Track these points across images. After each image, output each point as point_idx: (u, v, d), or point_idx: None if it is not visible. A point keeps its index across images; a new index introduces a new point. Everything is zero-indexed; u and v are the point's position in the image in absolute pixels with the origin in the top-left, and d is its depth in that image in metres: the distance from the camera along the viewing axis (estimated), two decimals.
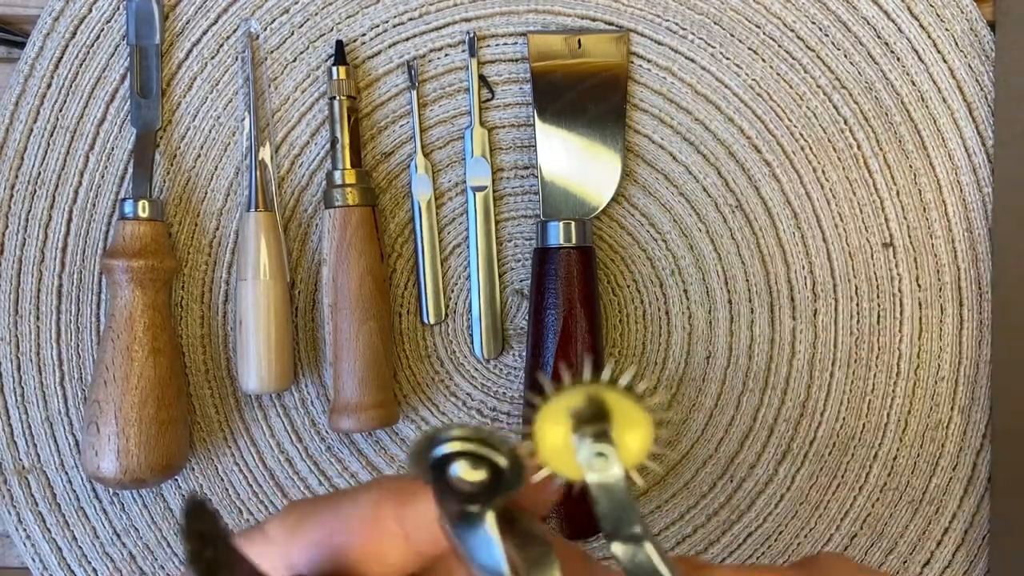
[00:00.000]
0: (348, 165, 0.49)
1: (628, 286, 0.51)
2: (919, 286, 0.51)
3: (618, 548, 0.21)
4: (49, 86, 0.50)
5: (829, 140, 0.51)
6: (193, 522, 0.20)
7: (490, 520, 0.21)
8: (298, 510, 0.25)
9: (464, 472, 0.21)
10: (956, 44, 0.51)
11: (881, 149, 0.51)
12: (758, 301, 0.51)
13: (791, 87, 0.51)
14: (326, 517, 0.25)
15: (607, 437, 0.20)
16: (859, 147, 0.51)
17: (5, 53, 0.51)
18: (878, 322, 0.51)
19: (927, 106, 0.51)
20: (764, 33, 0.51)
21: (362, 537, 0.24)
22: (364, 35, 0.51)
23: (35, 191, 0.50)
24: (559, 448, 0.21)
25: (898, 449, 0.51)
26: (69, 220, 0.50)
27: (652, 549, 0.21)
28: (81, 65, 0.50)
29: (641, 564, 0.21)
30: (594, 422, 0.20)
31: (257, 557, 0.24)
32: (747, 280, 0.51)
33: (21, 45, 0.50)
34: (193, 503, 0.20)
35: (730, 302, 0.51)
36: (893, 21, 0.51)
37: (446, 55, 0.51)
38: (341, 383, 0.48)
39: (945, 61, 0.51)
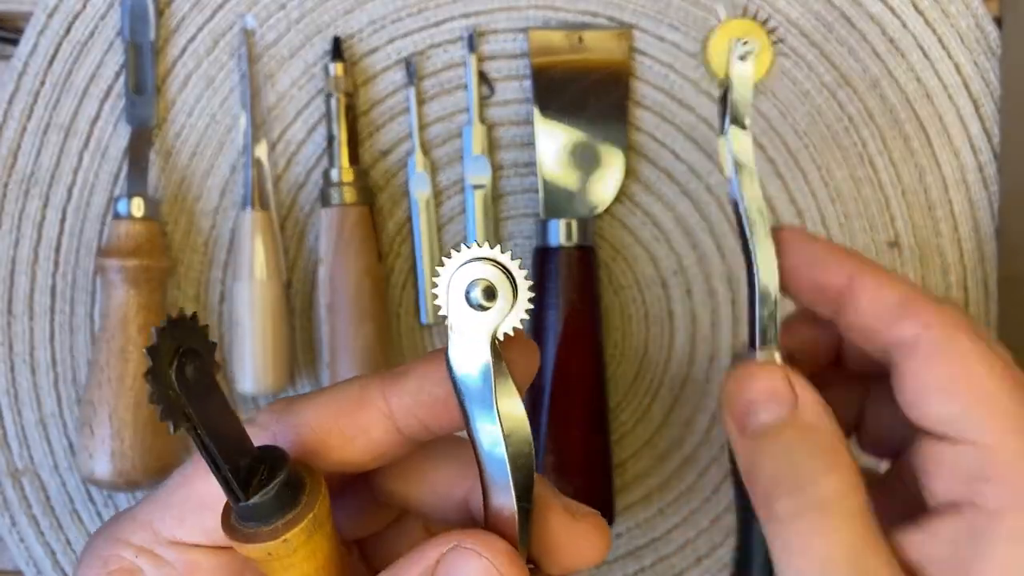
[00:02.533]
0: (345, 163, 0.49)
1: (630, 286, 0.51)
2: (925, 285, 0.50)
3: (736, 134, 0.32)
4: (43, 83, 0.50)
5: (834, 138, 0.50)
6: (170, 329, 0.22)
7: (491, 347, 0.24)
8: (287, 399, 0.27)
9: (482, 294, 0.24)
10: (962, 40, 0.50)
11: (886, 147, 0.50)
12: None
13: (795, 84, 0.50)
14: (314, 401, 0.27)
15: (751, 50, 0.32)
16: (864, 145, 0.50)
17: None
18: None
19: (933, 103, 0.50)
20: (768, 29, 0.50)
21: (348, 415, 0.26)
22: (362, 31, 0.50)
23: (29, 189, 0.50)
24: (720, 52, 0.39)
25: None
26: (63, 219, 0.50)
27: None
28: (75, 62, 0.50)
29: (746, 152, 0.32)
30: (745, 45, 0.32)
31: None
32: None
33: (15, 42, 0.50)
34: (181, 315, 0.22)
35: (734, 302, 0.50)
36: (898, 17, 0.50)
37: (445, 51, 0.50)
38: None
39: (951, 58, 0.50)
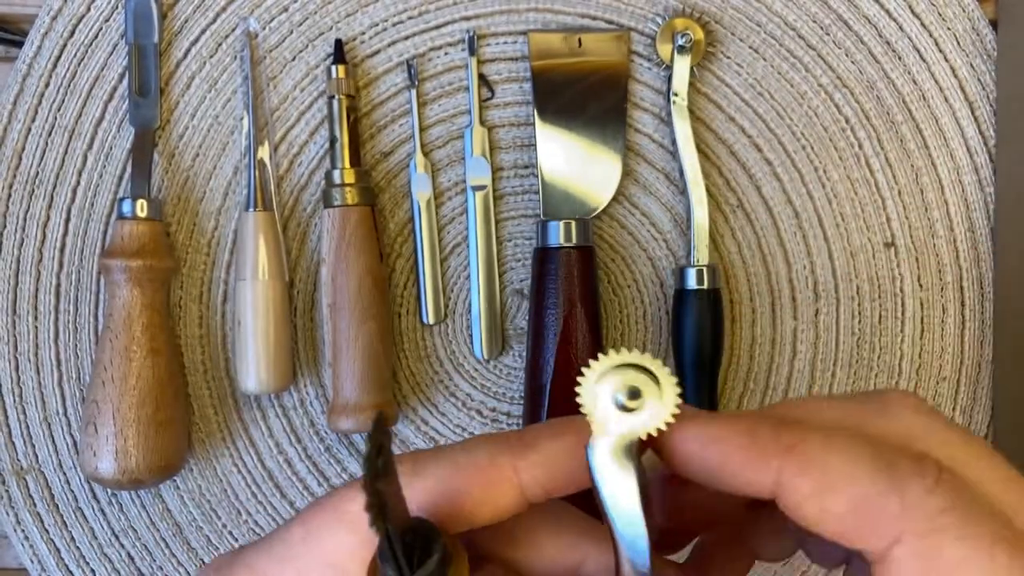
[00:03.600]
0: (347, 164, 0.49)
1: (629, 286, 0.51)
2: (921, 286, 0.51)
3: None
4: (47, 85, 0.50)
5: (831, 139, 0.51)
6: (376, 432, 0.22)
7: (631, 451, 0.24)
8: (412, 457, 0.26)
9: (626, 398, 0.24)
10: (958, 43, 0.50)
11: (883, 148, 0.51)
12: (759, 301, 0.51)
13: (792, 86, 0.51)
14: (442, 464, 0.26)
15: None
16: (861, 146, 0.51)
17: (3, 52, 0.51)
18: (880, 322, 0.51)
19: (929, 105, 0.51)
20: (765, 32, 0.50)
21: (479, 483, 0.25)
22: (363, 34, 0.50)
23: (33, 191, 0.50)
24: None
25: None
26: (67, 220, 0.50)
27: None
28: (79, 64, 0.50)
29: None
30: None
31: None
32: (748, 280, 0.51)
33: (19, 44, 0.50)
34: (378, 418, 0.22)
35: (731, 302, 0.51)
36: (895, 20, 0.50)
37: (446, 54, 0.51)
38: (340, 383, 0.48)
39: (947, 60, 0.50)
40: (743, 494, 0.24)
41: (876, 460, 0.23)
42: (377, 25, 0.50)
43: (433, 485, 0.25)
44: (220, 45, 0.50)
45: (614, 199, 0.50)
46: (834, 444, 0.23)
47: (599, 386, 0.24)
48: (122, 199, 0.48)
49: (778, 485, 0.23)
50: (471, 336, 0.51)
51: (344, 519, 0.25)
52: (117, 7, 0.50)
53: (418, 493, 0.25)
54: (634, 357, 0.24)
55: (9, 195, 0.50)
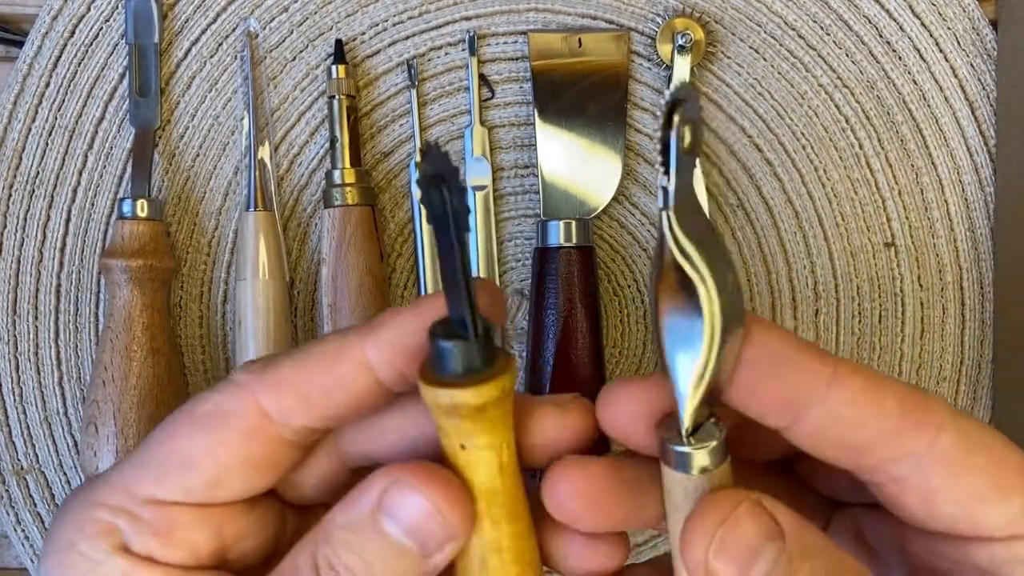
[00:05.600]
0: (347, 164, 0.49)
1: (629, 286, 0.51)
2: (921, 286, 0.51)
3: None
4: (47, 85, 0.50)
5: (831, 139, 0.51)
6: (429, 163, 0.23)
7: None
8: (264, 359, 0.27)
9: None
10: (958, 43, 0.50)
11: (883, 148, 0.51)
12: (759, 301, 0.51)
13: (792, 86, 0.51)
14: (292, 358, 0.27)
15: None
16: (861, 146, 0.51)
17: (3, 52, 0.51)
18: (880, 322, 0.51)
19: (929, 105, 0.51)
20: (765, 32, 0.50)
21: (328, 370, 0.26)
22: (363, 34, 0.50)
23: (33, 190, 0.50)
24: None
25: None
26: (67, 219, 0.50)
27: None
28: (79, 64, 0.50)
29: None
30: None
31: (231, 404, 0.26)
32: (748, 280, 0.51)
33: (19, 44, 0.50)
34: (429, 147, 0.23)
35: None
36: (895, 20, 0.50)
37: (446, 54, 0.51)
38: None
39: (947, 60, 0.51)
40: (801, 392, 0.24)
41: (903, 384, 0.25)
42: (377, 25, 0.50)
43: (284, 378, 0.26)
44: (220, 45, 0.50)
45: (614, 199, 0.50)
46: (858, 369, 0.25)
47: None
48: (122, 199, 0.48)
49: (839, 375, 0.24)
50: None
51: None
52: (117, 7, 0.50)
53: (270, 390, 0.26)
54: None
55: (9, 195, 0.50)
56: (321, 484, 0.30)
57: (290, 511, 0.30)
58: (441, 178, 0.23)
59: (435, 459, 0.26)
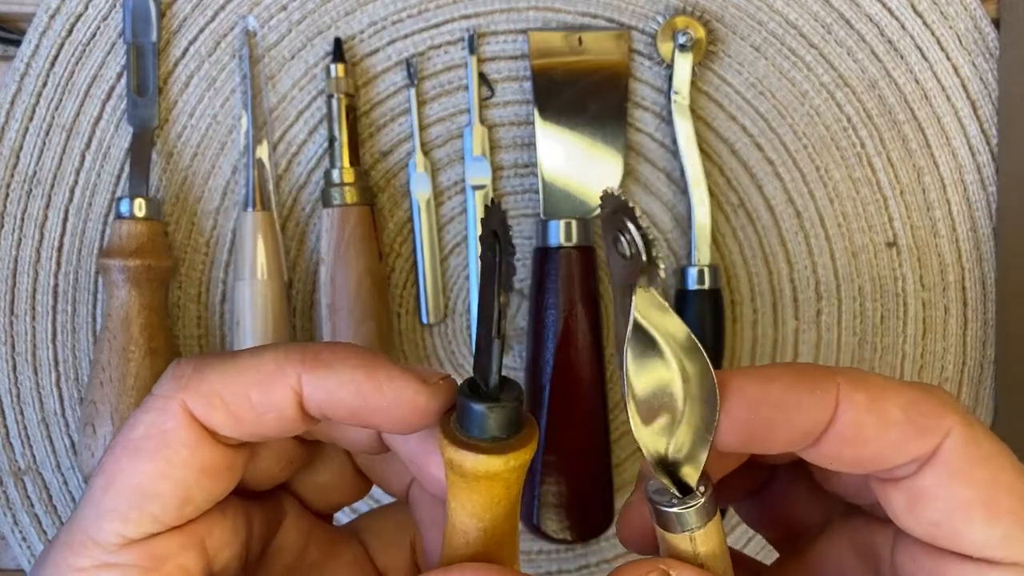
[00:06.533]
0: (346, 163, 0.49)
1: None
2: (923, 286, 0.51)
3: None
4: (45, 84, 0.50)
5: (832, 138, 0.50)
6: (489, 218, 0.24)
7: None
8: (194, 361, 0.26)
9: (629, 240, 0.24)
10: (960, 42, 0.50)
11: (884, 148, 0.50)
12: (760, 301, 0.51)
13: (794, 85, 0.50)
14: (224, 369, 0.25)
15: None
16: (862, 146, 0.50)
17: (1, 51, 0.51)
18: (881, 322, 0.51)
19: (931, 104, 0.50)
20: (766, 31, 0.50)
21: (261, 389, 0.25)
22: (362, 32, 0.50)
23: (31, 190, 0.50)
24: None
25: None
26: (65, 219, 0.50)
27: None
28: (77, 63, 0.50)
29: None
30: None
31: (166, 422, 0.25)
32: (749, 280, 0.51)
33: (17, 43, 0.50)
34: (493, 204, 0.24)
35: (732, 302, 0.51)
36: (897, 19, 0.50)
37: (445, 52, 0.50)
38: None
39: (949, 59, 0.50)
40: (801, 430, 0.24)
41: (907, 383, 0.25)
42: (376, 23, 0.50)
43: (215, 391, 0.25)
44: (219, 44, 0.50)
45: None
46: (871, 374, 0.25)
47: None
48: (120, 199, 0.48)
49: (840, 399, 0.24)
50: (471, 336, 0.51)
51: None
52: (115, 6, 0.50)
53: (199, 402, 0.25)
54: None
55: (7, 195, 0.50)
56: (281, 465, 0.29)
57: (252, 503, 0.29)
58: (495, 235, 0.23)
59: (381, 441, 0.27)
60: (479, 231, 0.23)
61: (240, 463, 0.26)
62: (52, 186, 0.50)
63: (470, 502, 0.24)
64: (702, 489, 0.24)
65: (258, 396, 0.25)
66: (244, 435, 0.25)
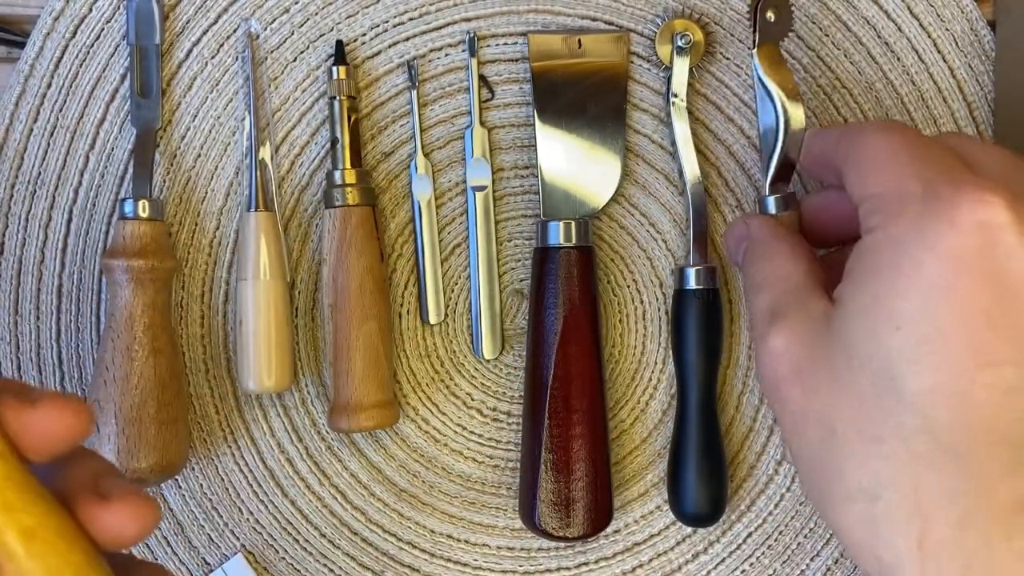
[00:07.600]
0: (348, 165, 0.49)
1: (628, 286, 0.51)
2: None
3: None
4: (49, 86, 0.50)
5: None
6: None
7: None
8: None
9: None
10: (956, 44, 0.51)
11: None
12: None
13: None
14: None
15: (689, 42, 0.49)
16: None
17: (5, 53, 0.51)
18: None
19: (928, 106, 0.51)
20: None
21: None
22: (364, 35, 0.51)
23: (35, 191, 0.50)
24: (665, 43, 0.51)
25: None
26: (69, 220, 0.50)
27: None
28: (81, 65, 0.50)
29: None
30: None
31: None
32: None
33: (21, 45, 0.50)
34: None
35: (730, 302, 0.51)
36: (893, 21, 0.51)
37: (446, 55, 0.51)
38: (341, 383, 0.48)
39: (945, 61, 0.51)
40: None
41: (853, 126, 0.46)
42: (378, 26, 0.51)
43: None
44: (222, 46, 0.51)
45: (614, 199, 0.50)
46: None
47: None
48: (124, 199, 0.49)
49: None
50: (471, 336, 0.51)
51: None
52: (119, 8, 0.50)
53: None
54: None
55: (11, 195, 0.50)
56: None
57: None
58: None
59: None
60: None
61: None
62: (56, 187, 0.50)
63: None
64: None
65: None
66: None
